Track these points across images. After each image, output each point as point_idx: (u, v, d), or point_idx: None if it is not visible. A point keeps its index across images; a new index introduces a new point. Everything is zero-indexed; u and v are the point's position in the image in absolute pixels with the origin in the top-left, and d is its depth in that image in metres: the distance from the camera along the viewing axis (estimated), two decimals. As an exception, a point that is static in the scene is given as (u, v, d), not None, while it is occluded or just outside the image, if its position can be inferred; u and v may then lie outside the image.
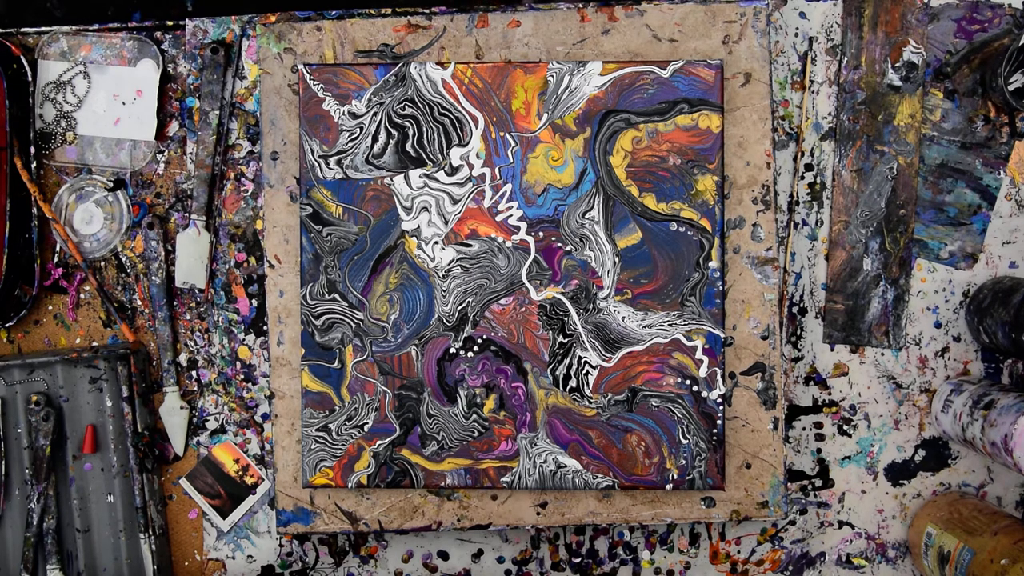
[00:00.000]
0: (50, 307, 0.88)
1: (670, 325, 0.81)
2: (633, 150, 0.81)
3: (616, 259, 0.81)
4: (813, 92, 0.87)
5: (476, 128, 0.81)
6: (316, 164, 0.81)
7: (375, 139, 0.81)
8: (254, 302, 0.87)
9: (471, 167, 0.81)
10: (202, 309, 0.87)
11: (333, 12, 0.84)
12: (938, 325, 0.87)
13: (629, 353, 0.81)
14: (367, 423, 0.82)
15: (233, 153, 0.87)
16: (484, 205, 0.81)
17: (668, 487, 0.81)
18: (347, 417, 0.82)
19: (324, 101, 0.81)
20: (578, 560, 0.88)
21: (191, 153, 0.87)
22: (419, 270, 0.82)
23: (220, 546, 0.88)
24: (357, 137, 0.81)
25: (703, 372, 0.81)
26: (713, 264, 0.81)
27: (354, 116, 0.81)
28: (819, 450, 0.87)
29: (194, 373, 0.87)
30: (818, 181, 0.87)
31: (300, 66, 0.82)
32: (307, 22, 0.84)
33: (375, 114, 0.81)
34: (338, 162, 0.81)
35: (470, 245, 0.81)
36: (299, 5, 0.89)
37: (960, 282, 0.87)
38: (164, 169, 0.87)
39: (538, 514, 0.83)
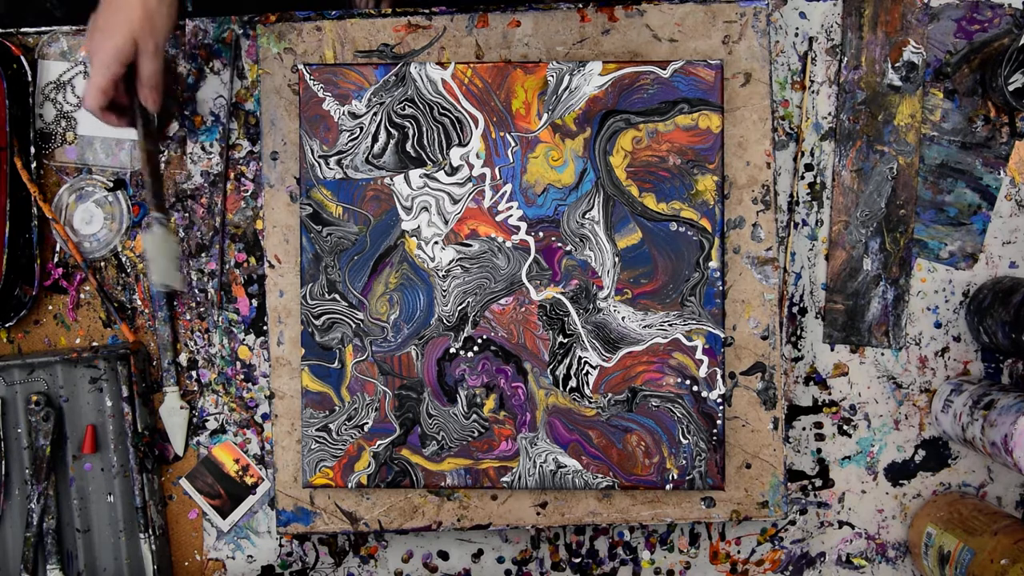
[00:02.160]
0: (50, 307, 0.87)
1: (670, 325, 0.81)
2: (633, 150, 0.80)
3: (616, 259, 0.81)
4: (813, 92, 0.87)
5: (476, 128, 0.81)
6: (316, 164, 0.81)
7: (375, 139, 0.81)
8: (254, 302, 0.87)
9: (471, 167, 0.81)
10: (202, 309, 0.87)
11: (333, 12, 0.84)
12: (938, 325, 0.87)
13: (629, 353, 0.81)
14: (367, 423, 0.82)
15: (233, 153, 0.87)
16: (484, 205, 0.81)
17: (668, 487, 0.81)
18: (347, 417, 0.82)
19: (324, 101, 0.81)
20: (578, 560, 0.88)
21: (191, 153, 0.87)
22: (419, 270, 0.81)
23: (220, 546, 0.87)
24: (357, 137, 0.81)
25: (703, 372, 0.81)
26: (713, 264, 0.80)
27: (354, 116, 0.81)
28: (819, 450, 0.87)
29: (194, 373, 0.87)
30: (818, 181, 0.87)
31: (300, 66, 0.81)
32: (307, 22, 0.84)
33: (375, 114, 0.81)
34: (338, 162, 0.81)
35: (470, 245, 0.81)
36: (299, 5, 0.88)
37: (960, 282, 0.87)
38: (164, 169, 0.87)
39: (538, 514, 0.83)
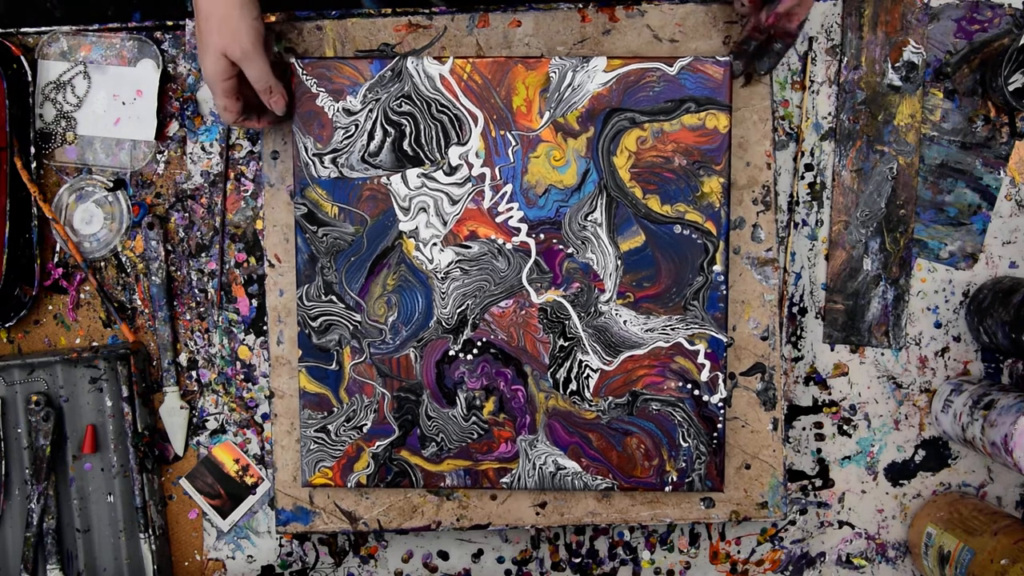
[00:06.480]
0: (50, 307, 0.85)
1: (672, 329, 0.76)
2: (638, 150, 0.76)
3: (618, 262, 0.76)
4: (813, 92, 0.84)
5: (475, 126, 0.76)
6: (310, 162, 0.77)
7: (371, 137, 0.77)
8: (254, 302, 0.84)
9: (470, 167, 0.77)
10: (202, 309, 0.83)
11: (334, 12, 0.81)
12: (938, 325, 0.84)
13: (630, 357, 0.77)
14: (366, 424, 0.78)
15: (233, 153, 0.84)
16: (484, 206, 0.77)
17: (667, 489, 0.77)
18: (346, 418, 0.78)
19: (318, 97, 0.76)
20: (578, 560, 0.85)
21: (191, 153, 0.83)
22: (417, 272, 0.77)
23: (220, 546, 0.84)
24: (352, 135, 0.77)
25: (705, 376, 0.77)
26: (717, 268, 0.76)
27: (349, 113, 0.76)
28: (819, 450, 0.85)
29: (194, 373, 0.84)
30: (818, 181, 0.84)
31: (293, 60, 0.77)
32: (308, 21, 0.81)
33: (371, 111, 0.76)
34: (333, 160, 0.77)
35: (469, 247, 0.77)
36: (299, 5, 0.85)
37: (960, 282, 0.84)
38: (164, 169, 0.84)
39: (538, 514, 0.80)
